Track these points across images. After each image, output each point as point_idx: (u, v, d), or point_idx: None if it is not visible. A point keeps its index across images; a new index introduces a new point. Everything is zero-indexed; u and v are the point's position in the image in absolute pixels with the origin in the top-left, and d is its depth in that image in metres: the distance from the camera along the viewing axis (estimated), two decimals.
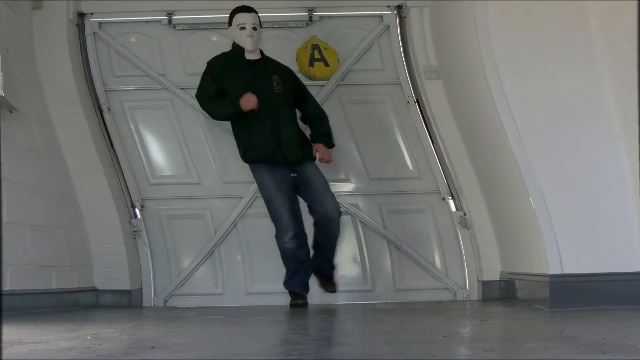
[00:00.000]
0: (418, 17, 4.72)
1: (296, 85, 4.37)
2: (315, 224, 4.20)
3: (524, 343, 2.27)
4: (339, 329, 3.03)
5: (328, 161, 4.23)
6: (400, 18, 4.82)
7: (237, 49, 4.24)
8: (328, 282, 4.35)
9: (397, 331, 2.80)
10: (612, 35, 3.68)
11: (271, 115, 4.13)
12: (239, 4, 4.26)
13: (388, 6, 4.85)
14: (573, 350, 2.04)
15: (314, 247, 4.24)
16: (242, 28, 4.17)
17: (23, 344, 2.35)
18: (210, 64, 4.25)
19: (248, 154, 4.18)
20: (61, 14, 4.54)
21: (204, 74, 4.25)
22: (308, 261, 4.20)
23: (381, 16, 4.87)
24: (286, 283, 4.23)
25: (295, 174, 4.18)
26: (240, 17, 4.19)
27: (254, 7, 4.26)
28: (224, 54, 4.30)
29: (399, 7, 4.84)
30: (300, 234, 4.12)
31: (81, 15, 4.74)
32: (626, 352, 2.01)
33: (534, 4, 3.75)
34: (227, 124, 4.38)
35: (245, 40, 4.18)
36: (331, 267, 4.35)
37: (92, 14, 4.76)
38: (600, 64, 3.70)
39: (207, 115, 4.43)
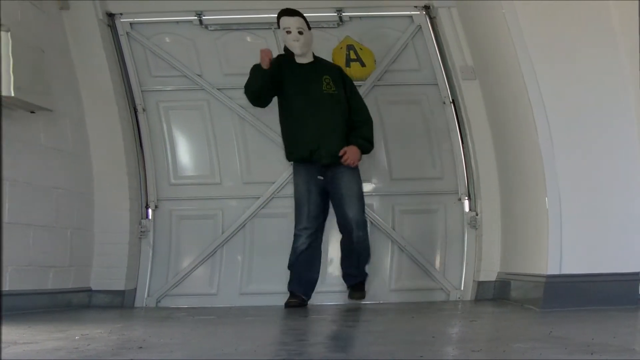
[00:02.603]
0: (448, 18, 4.64)
1: (345, 85, 4.29)
2: (340, 231, 4.21)
3: (512, 343, 2.27)
4: (328, 330, 3.02)
5: (351, 164, 4.13)
6: (430, 18, 4.76)
7: (288, 53, 4.23)
8: (354, 291, 4.29)
9: (386, 332, 2.79)
10: (634, 37, 3.65)
11: (316, 116, 4.11)
12: (268, 4, 4.19)
13: (415, 6, 4.77)
14: (561, 350, 2.04)
15: (340, 253, 4.25)
16: (288, 32, 4.14)
17: (18, 345, 2.35)
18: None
19: (289, 154, 4.23)
20: (90, 15, 4.51)
21: None
22: (310, 274, 4.19)
23: (411, 17, 4.79)
24: (288, 284, 4.22)
25: (323, 177, 4.14)
26: (285, 21, 4.15)
27: (284, 7, 4.21)
28: (277, 56, 4.25)
29: (426, 8, 4.76)
30: (312, 242, 4.13)
31: (110, 16, 4.69)
32: (614, 352, 2.01)
33: (561, 4, 3.69)
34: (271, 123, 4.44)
35: (293, 45, 4.16)
36: (355, 277, 4.27)
37: (121, 14, 4.71)
38: (625, 65, 3.67)
39: (248, 104, 4.40)
